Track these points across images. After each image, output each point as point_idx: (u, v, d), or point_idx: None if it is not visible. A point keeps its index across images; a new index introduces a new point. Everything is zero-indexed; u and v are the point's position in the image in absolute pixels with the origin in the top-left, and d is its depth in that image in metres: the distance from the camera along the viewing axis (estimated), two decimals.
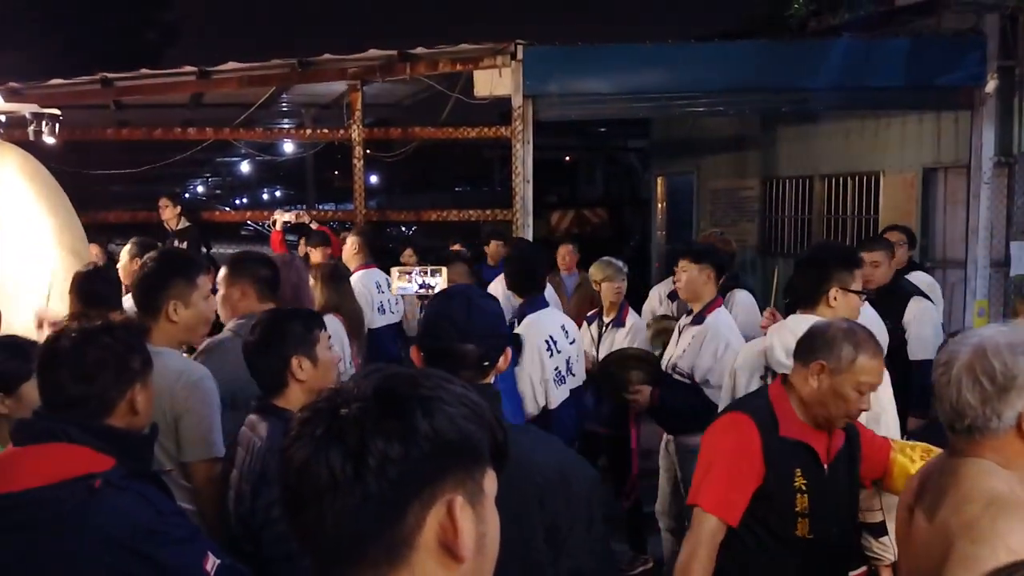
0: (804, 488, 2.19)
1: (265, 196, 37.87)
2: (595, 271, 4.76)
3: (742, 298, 4.64)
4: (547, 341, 3.64)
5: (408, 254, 7.10)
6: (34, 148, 7.99)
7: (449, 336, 1.74)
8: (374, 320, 5.32)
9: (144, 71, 7.44)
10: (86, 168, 8.58)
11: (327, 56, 7.15)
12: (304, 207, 11.68)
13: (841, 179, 9.20)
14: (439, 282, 4.78)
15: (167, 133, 8.01)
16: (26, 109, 5.36)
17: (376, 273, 5.58)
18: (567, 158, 19.74)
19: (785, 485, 2.19)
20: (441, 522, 0.89)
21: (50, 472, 1.63)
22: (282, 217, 6.94)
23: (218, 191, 38.74)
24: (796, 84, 7.01)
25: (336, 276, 4.11)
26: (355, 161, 7.25)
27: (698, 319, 3.83)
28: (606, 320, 4.67)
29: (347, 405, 0.89)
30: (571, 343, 3.81)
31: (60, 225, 4.46)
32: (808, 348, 2.24)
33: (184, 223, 7.31)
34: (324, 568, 0.90)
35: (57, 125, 5.41)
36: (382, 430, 0.87)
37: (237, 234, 16.30)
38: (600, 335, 4.64)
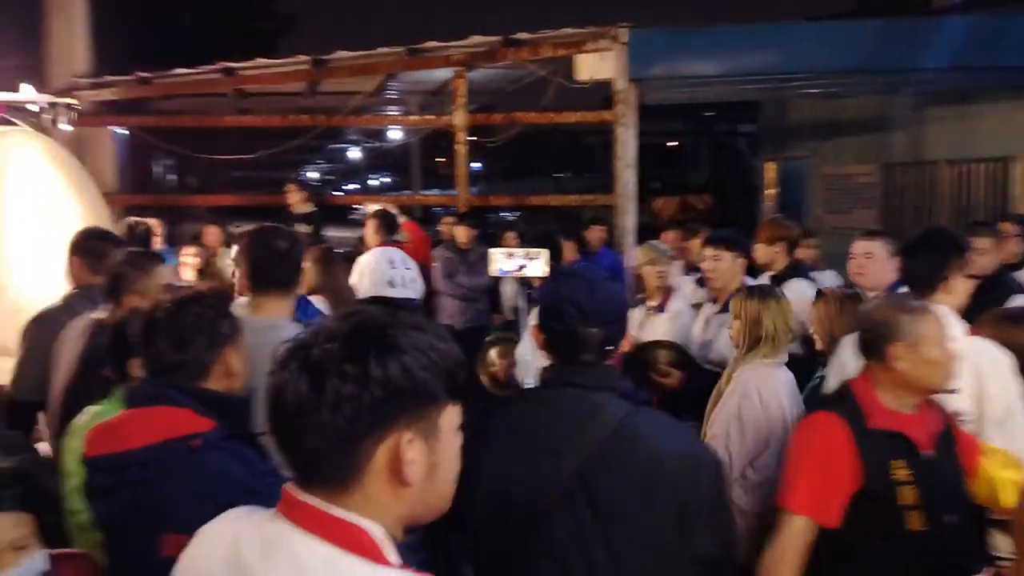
0: (908, 479, 2.10)
1: (375, 182, 38.87)
2: (640, 254, 4.64)
3: (799, 286, 4.05)
4: None
5: (510, 237, 7.23)
6: (163, 134, 8.54)
7: (574, 319, 1.72)
8: (386, 292, 5.88)
9: (261, 60, 7.76)
10: (208, 153, 9.06)
11: (433, 43, 7.26)
12: (409, 192, 11.94)
13: (969, 165, 8.66)
14: (538, 264, 4.81)
15: (283, 120, 8.37)
16: (44, 99, 5.60)
17: (391, 251, 6.23)
18: (672, 143, 19.39)
19: (883, 479, 2.10)
20: (391, 453, 1.01)
21: (155, 432, 1.77)
22: (371, 208, 7.16)
23: (330, 177, 40.00)
24: (918, 64, 6.61)
25: (327, 258, 4.36)
26: (457, 147, 7.35)
27: (728, 307, 3.69)
28: (650, 305, 4.46)
29: (319, 344, 1.01)
30: None
31: (86, 206, 4.72)
32: (873, 343, 2.20)
33: (310, 207, 7.60)
34: (299, 481, 1.04)
35: (75, 114, 5.65)
36: (340, 372, 0.99)
37: (345, 218, 16.87)
38: (643, 320, 4.46)
